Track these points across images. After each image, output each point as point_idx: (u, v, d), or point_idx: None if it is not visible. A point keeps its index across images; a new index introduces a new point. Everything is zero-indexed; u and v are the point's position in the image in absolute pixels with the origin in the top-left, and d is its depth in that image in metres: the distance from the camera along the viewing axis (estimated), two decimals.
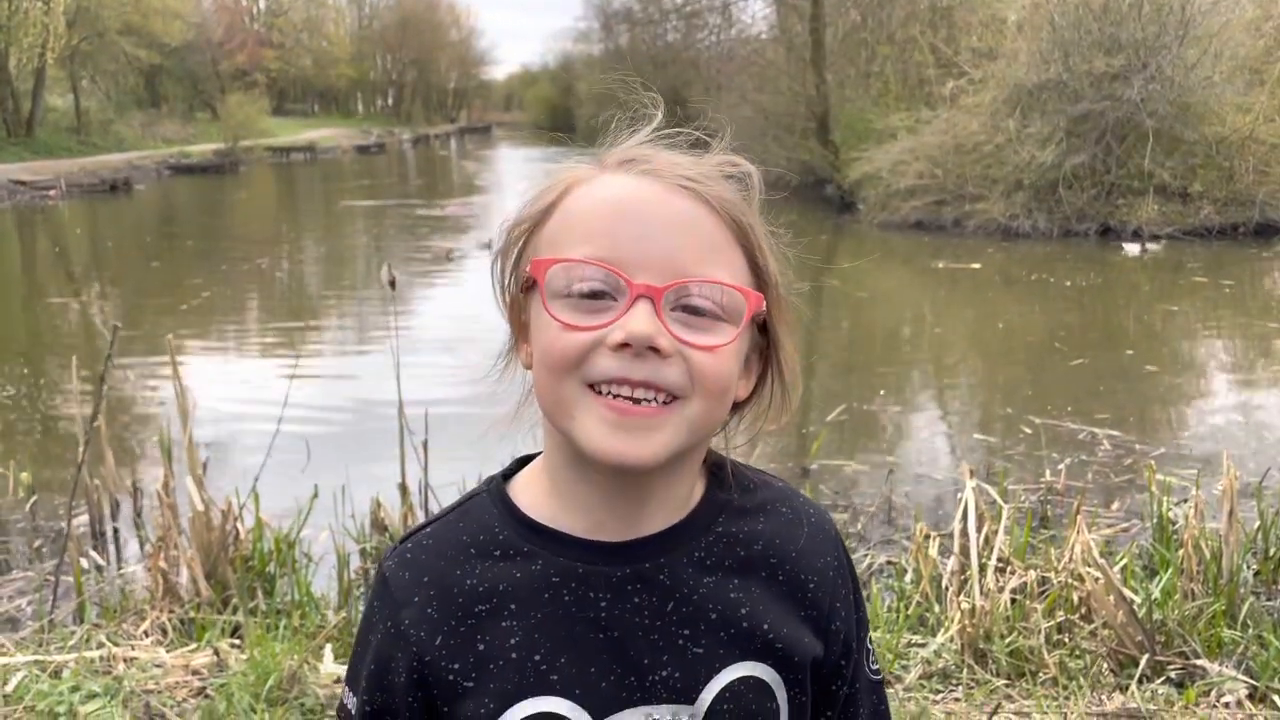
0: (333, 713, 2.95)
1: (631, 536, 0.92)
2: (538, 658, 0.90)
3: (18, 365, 9.67)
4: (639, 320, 0.83)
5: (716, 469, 0.98)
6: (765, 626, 0.94)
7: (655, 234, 0.86)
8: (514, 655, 0.90)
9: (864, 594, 1.07)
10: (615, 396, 0.84)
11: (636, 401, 0.84)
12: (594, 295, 0.85)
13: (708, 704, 0.92)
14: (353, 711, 0.96)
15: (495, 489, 0.97)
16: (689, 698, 0.91)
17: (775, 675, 0.94)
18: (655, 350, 0.83)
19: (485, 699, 0.90)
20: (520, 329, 0.95)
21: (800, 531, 0.99)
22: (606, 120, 0.98)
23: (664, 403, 0.85)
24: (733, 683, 0.92)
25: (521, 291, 0.93)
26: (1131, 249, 15.82)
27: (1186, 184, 17.54)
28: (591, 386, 0.85)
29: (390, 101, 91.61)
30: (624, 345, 0.83)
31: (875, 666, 1.06)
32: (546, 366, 0.87)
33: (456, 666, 0.91)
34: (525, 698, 0.89)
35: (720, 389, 0.87)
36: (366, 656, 0.95)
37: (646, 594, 0.92)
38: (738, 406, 0.95)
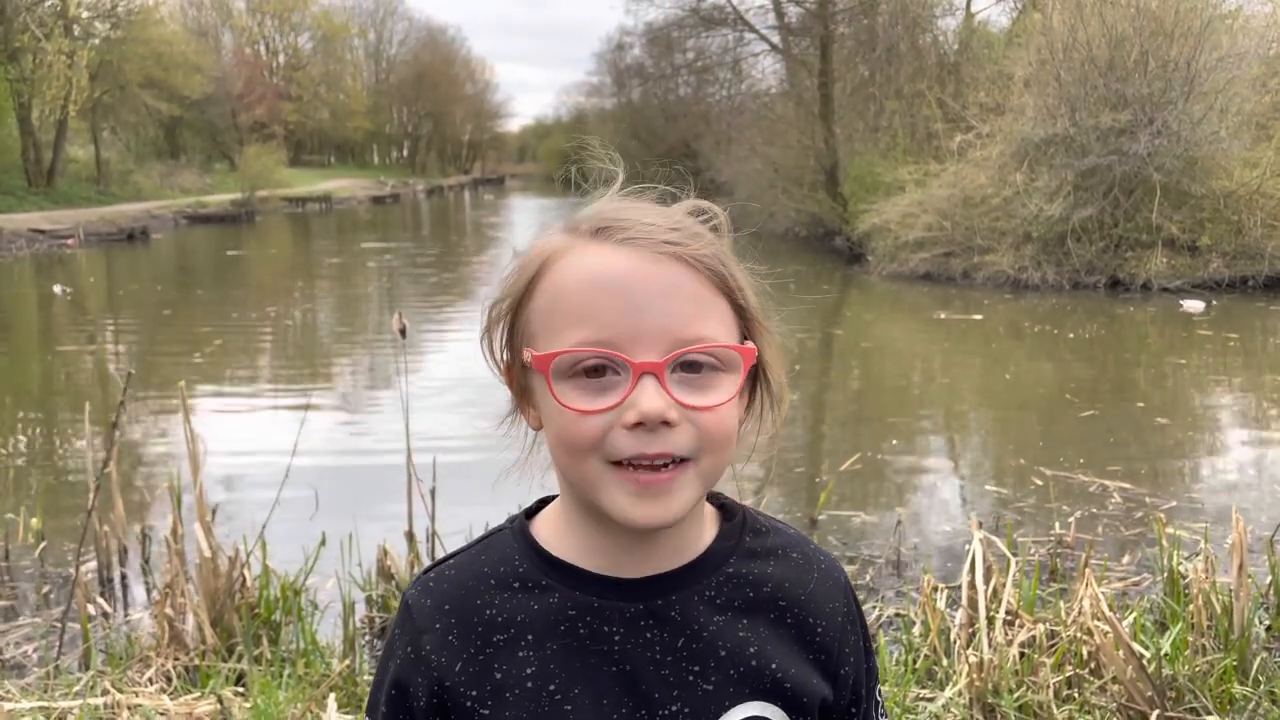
0: None
1: (645, 574, 0.95)
2: (552, 688, 0.92)
3: (31, 412, 9.74)
4: (648, 398, 0.86)
5: (730, 513, 1.01)
6: (774, 666, 0.95)
7: (644, 306, 0.88)
8: (529, 685, 0.92)
9: (874, 647, 1.08)
10: (635, 467, 0.88)
11: (654, 469, 0.88)
12: (596, 371, 0.88)
13: None
14: None
15: (518, 525, 1.00)
16: None
17: (784, 716, 0.95)
18: (665, 423, 0.87)
19: None
20: (522, 394, 0.97)
21: (810, 577, 1.01)
22: (564, 176, 1.02)
23: (678, 462, 0.88)
24: None
25: (521, 367, 0.95)
26: (1194, 306, 15.25)
27: (1195, 237, 17.58)
28: (612, 462, 0.88)
29: (405, 153, 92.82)
30: (638, 424, 0.87)
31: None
32: (566, 450, 0.90)
33: (474, 693, 0.93)
34: None
35: (726, 442, 0.91)
36: (386, 682, 0.98)
37: (659, 630, 0.94)
38: None
